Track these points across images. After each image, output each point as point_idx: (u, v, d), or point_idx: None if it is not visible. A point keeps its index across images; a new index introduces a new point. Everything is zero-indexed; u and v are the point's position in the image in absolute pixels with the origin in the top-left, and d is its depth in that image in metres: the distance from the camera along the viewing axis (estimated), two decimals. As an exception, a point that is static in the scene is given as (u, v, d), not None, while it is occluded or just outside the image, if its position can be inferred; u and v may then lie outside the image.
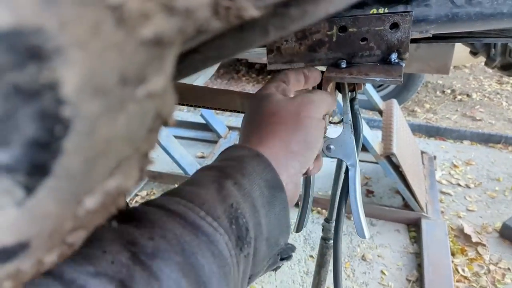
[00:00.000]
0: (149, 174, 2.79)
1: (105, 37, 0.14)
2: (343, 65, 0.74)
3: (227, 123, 3.39)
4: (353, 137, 0.78)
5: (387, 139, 2.28)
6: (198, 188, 0.38)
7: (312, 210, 2.48)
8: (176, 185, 2.62)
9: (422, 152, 2.87)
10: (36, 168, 0.14)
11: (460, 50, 2.61)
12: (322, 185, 2.61)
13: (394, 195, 2.56)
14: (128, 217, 0.34)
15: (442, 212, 2.40)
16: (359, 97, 0.84)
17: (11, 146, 0.13)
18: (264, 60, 2.81)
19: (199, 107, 0.68)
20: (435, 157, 2.86)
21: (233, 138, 3.26)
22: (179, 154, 2.66)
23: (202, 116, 3.07)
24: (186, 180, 0.43)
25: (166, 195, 0.38)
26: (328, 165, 2.88)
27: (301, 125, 0.51)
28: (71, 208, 0.16)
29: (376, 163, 2.48)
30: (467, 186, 2.64)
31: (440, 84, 4.37)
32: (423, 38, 0.84)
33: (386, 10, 0.71)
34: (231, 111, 0.72)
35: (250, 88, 4.54)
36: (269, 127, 0.49)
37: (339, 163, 0.98)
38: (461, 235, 2.24)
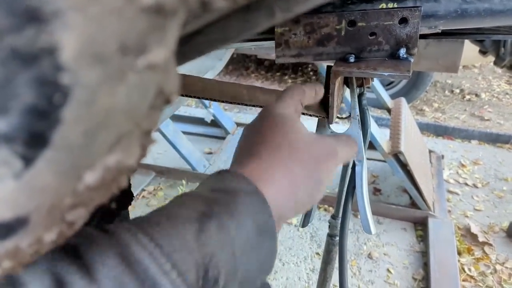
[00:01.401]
0: (156, 169, 2.80)
1: (105, 1, 0.14)
2: (352, 59, 0.74)
3: (235, 119, 3.40)
4: (361, 133, 0.78)
5: (395, 137, 2.27)
6: (175, 227, 0.32)
7: (319, 208, 2.48)
8: (183, 181, 2.62)
9: (430, 151, 2.86)
10: (34, 137, 0.14)
11: (469, 50, 2.59)
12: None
13: (401, 193, 2.55)
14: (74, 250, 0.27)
15: (449, 211, 2.38)
16: (368, 95, 0.84)
17: (9, 114, 0.13)
18: (273, 56, 2.81)
19: (206, 99, 0.69)
20: (443, 156, 2.85)
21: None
22: (186, 149, 2.67)
23: (208, 110, 3.07)
24: (170, 201, 0.37)
25: (137, 226, 0.31)
26: (335, 163, 2.88)
27: (318, 174, 0.45)
28: (70, 182, 0.16)
29: (384, 161, 2.47)
30: (475, 186, 2.62)
31: (449, 84, 4.34)
32: (432, 33, 0.84)
33: (395, 5, 0.71)
34: (238, 103, 0.72)
35: (259, 84, 4.54)
36: (283, 162, 0.42)
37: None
38: (468, 235, 2.23)
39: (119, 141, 0.17)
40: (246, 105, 0.70)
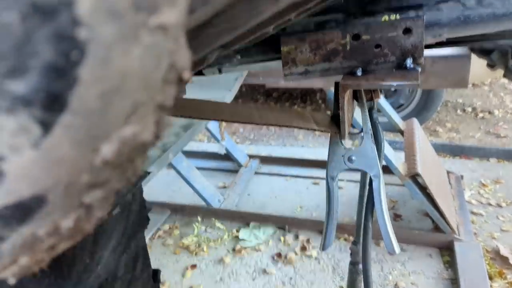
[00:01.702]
0: (171, 207, 2.79)
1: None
2: (359, 73, 0.74)
3: (247, 152, 3.40)
4: (375, 147, 0.76)
5: (410, 158, 2.23)
6: None
7: (339, 238, 2.42)
8: (199, 217, 2.60)
9: (448, 172, 2.79)
10: (53, 99, 0.14)
11: (478, 67, 2.59)
12: (348, 211, 2.55)
13: (422, 218, 2.47)
14: None
15: (475, 233, 2.29)
16: (379, 119, 0.83)
17: (29, 74, 0.13)
18: (282, 84, 2.84)
19: (218, 120, 0.68)
20: (462, 177, 2.78)
21: (254, 167, 3.25)
22: (200, 184, 2.66)
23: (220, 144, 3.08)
24: None
25: None
26: (352, 190, 2.83)
27: None
28: (87, 154, 0.16)
29: (402, 185, 2.42)
30: (499, 205, 2.53)
31: (460, 103, 4.31)
32: (437, 43, 0.83)
33: (398, 17, 0.71)
34: (250, 123, 0.71)
35: (268, 118, 4.56)
36: None
37: (363, 175, 0.95)
38: (498, 257, 2.13)
39: (134, 111, 0.17)
40: (258, 124, 0.69)
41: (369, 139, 0.78)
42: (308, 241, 2.38)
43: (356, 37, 0.74)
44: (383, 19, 0.72)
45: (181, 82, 0.19)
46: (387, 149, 2.24)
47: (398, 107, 3.63)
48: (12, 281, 0.20)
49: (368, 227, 0.86)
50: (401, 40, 0.72)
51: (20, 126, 0.13)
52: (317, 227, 2.45)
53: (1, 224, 0.15)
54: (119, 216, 0.44)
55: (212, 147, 3.58)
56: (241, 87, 5.38)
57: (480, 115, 4.01)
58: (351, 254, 1.25)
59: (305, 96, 5.00)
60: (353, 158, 0.79)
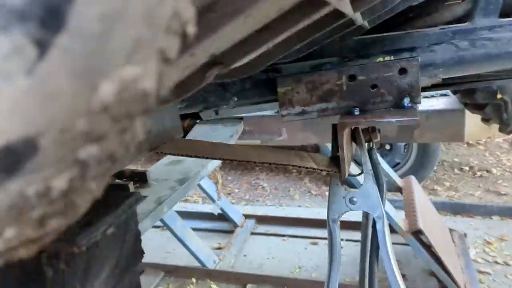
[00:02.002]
0: (164, 268, 2.68)
1: None
2: (356, 112, 0.75)
3: (243, 212, 3.34)
4: (376, 187, 0.75)
5: (410, 214, 2.19)
6: None
7: (341, 298, 2.30)
8: (194, 279, 2.49)
9: (451, 230, 2.73)
10: (51, 14, 0.13)
11: (472, 125, 2.64)
12: (349, 270, 2.45)
13: (428, 277, 2.37)
14: None
15: (484, 292, 2.19)
16: None
17: None
18: (277, 142, 2.83)
19: (216, 159, 0.67)
20: (465, 235, 2.71)
21: (250, 227, 3.17)
22: (195, 245, 2.58)
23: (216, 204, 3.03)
24: None
25: None
26: (353, 249, 2.75)
27: None
28: (85, 91, 0.14)
29: (404, 244, 2.35)
30: (506, 263, 2.45)
31: (457, 162, 4.33)
32: (434, 85, 0.85)
33: (392, 58, 0.73)
34: (247, 162, 0.70)
35: (264, 176, 4.55)
36: None
37: (365, 218, 0.93)
38: (510, 318, 2.02)
39: (136, 49, 0.16)
40: (255, 162, 0.68)
41: (370, 180, 0.77)
42: (309, 303, 2.26)
43: (352, 77, 0.75)
44: (378, 60, 0.74)
45: (185, 39, 0.18)
46: (387, 206, 2.20)
47: (394, 166, 3.63)
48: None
49: (374, 271, 0.82)
50: (397, 80, 0.73)
51: (15, 46, 0.12)
52: (318, 288, 2.33)
53: None
54: (112, 243, 0.41)
55: (207, 208, 3.52)
56: (238, 148, 5.43)
57: (478, 173, 4.01)
58: (355, 309, 1.19)
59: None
60: (355, 199, 0.77)
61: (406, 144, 3.64)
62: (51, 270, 0.35)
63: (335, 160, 0.78)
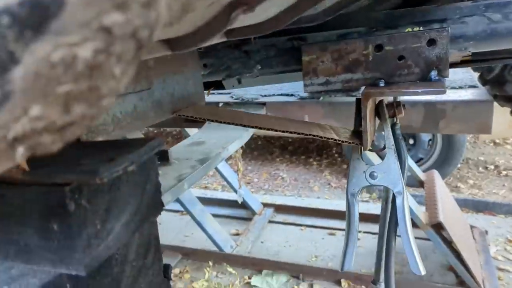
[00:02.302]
0: (182, 251, 2.71)
1: None
2: (382, 84, 0.73)
3: (262, 200, 3.35)
4: (397, 162, 0.74)
5: (431, 207, 2.15)
6: None
7: (356, 288, 2.29)
8: (210, 262, 2.51)
9: (472, 227, 2.67)
10: None
11: (499, 123, 2.55)
12: (365, 262, 2.43)
13: (445, 272, 2.33)
14: None
15: (503, 290, 2.14)
16: None
17: None
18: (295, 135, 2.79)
19: (237, 124, 0.67)
20: (486, 232, 2.65)
21: (268, 215, 3.18)
22: (213, 229, 2.60)
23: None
24: None
25: None
26: (370, 241, 2.72)
27: None
28: None
29: (422, 239, 2.32)
30: (528, 262, 2.39)
31: (482, 160, 4.22)
32: (464, 61, 0.83)
33: (421, 28, 0.72)
34: (268, 129, 0.70)
35: (284, 167, 4.55)
36: None
37: (386, 195, 0.91)
38: (530, 316, 1.97)
39: None
40: (277, 131, 0.68)
41: (392, 155, 0.76)
42: (323, 291, 2.26)
43: (379, 47, 0.74)
44: (406, 30, 0.73)
45: None
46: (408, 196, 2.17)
47: (417, 161, 3.57)
48: (20, 154, 0.18)
49: (391, 248, 0.81)
50: (425, 52, 0.72)
51: None
52: (333, 277, 2.33)
53: (14, 33, 0.14)
54: (133, 185, 0.42)
55: (226, 195, 3.54)
56: (256, 140, 5.42)
57: (504, 172, 3.90)
58: (371, 293, 1.17)
59: (321, 150, 4.99)
60: (375, 174, 0.76)
61: (430, 139, 3.57)
62: (73, 204, 0.36)
63: (357, 134, 0.77)
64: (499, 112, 2.17)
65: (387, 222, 0.85)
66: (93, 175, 0.32)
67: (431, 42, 0.72)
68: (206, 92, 0.77)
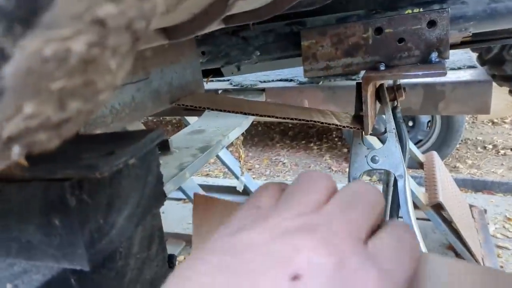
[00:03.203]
0: (186, 238, 2.73)
1: None
2: (382, 67, 0.72)
3: (263, 186, 3.35)
4: (399, 146, 0.73)
5: (431, 188, 2.16)
6: None
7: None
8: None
9: (471, 206, 2.69)
10: None
11: (497, 103, 2.54)
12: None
13: (445, 251, 2.35)
14: None
15: (502, 267, 2.17)
16: None
17: None
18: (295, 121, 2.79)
19: (237, 112, 0.67)
20: (485, 211, 2.66)
21: (270, 200, 3.19)
22: (215, 216, 2.61)
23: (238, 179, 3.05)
24: None
25: None
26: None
27: None
28: None
29: (422, 219, 2.32)
30: (527, 240, 2.41)
31: (480, 140, 4.22)
32: (464, 41, 0.82)
33: (421, 10, 0.70)
34: (268, 116, 0.69)
35: (285, 153, 4.55)
36: None
37: (387, 178, 0.91)
38: (530, 293, 1.99)
39: None
40: (278, 118, 0.67)
41: (393, 138, 0.75)
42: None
43: (378, 30, 0.73)
44: (406, 12, 0.71)
45: None
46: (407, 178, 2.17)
47: (416, 143, 3.57)
48: (16, 153, 0.18)
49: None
50: (425, 33, 0.70)
51: None
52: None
53: (2, 28, 0.13)
54: (134, 178, 0.41)
55: (228, 182, 3.55)
56: (256, 126, 5.41)
57: (502, 151, 3.91)
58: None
59: (321, 135, 4.99)
60: (377, 158, 0.76)
61: (429, 121, 3.57)
62: (74, 199, 0.36)
63: (358, 118, 0.77)
64: (497, 91, 2.16)
65: (389, 205, 0.85)
66: (93, 169, 0.32)
67: (432, 24, 0.71)
68: (205, 80, 0.76)
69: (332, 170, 3.98)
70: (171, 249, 2.64)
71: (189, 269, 0.25)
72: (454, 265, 0.28)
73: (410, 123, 3.64)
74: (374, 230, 0.28)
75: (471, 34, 0.73)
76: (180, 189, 2.50)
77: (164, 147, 1.68)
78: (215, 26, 0.44)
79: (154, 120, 5.82)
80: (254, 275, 0.24)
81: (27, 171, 0.35)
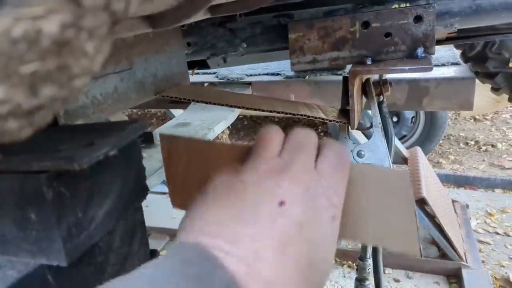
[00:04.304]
0: (170, 232, 2.71)
1: None
2: (369, 62, 0.72)
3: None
4: (384, 141, 0.73)
5: (415, 183, 2.18)
6: None
7: (342, 264, 2.33)
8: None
9: (453, 201, 2.73)
10: None
11: (479, 99, 2.58)
12: (350, 238, 2.46)
13: (428, 245, 2.39)
14: None
15: (483, 261, 2.21)
16: None
17: None
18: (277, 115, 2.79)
19: (223, 105, 0.65)
20: (467, 206, 2.71)
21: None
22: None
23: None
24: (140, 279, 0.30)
25: None
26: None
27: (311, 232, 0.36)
28: None
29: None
30: (506, 234, 2.46)
31: (463, 136, 4.29)
32: (449, 37, 0.82)
33: (408, 5, 0.70)
34: (255, 109, 0.68)
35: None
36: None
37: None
38: (508, 285, 2.04)
39: None
40: (264, 111, 0.66)
41: (379, 133, 0.75)
42: (310, 268, 2.29)
43: (365, 24, 0.72)
44: (393, 6, 0.71)
45: None
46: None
47: (400, 138, 3.61)
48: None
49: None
50: (412, 28, 0.70)
51: None
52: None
53: None
54: (114, 170, 0.40)
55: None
56: (242, 120, 5.40)
57: (483, 148, 3.98)
58: (357, 269, 1.19)
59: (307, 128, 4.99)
60: (363, 152, 0.76)
61: (413, 117, 3.61)
62: (51, 192, 0.34)
63: (345, 112, 0.76)
64: (479, 88, 2.19)
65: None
66: (71, 161, 0.31)
67: (418, 19, 0.71)
68: (190, 71, 0.75)
69: (317, 164, 3.99)
70: (154, 243, 2.62)
71: (197, 210, 0.37)
72: (359, 168, 0.43)
73: (395, 119, 3.67)
74: (317, 154, 0.42)
75: (456, 30, 0.74)
76: (164, 182, 2.47)
77: (148, 140, 1.66)
78: (201, 15, 0.42)
79: (139, 112, 5.75)
80: (254, 205, 0.35)
81: (1, 164, 0.33)
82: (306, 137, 0.42)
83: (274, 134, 0.41)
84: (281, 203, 0.35)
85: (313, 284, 0.35)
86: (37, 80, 0.15)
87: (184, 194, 0.49)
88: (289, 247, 0.34)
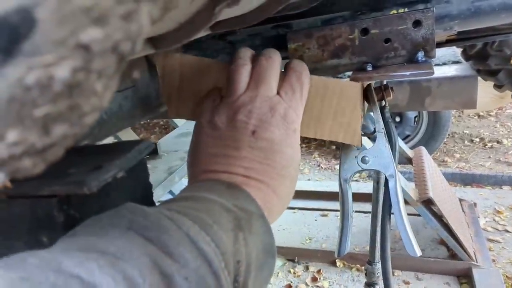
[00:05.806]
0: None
1: None
2: (369, 68, 0.72)
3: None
4: (388, 146, 0.73)
5: (421, 184, 2.18)
6: (221, 231, 0.38)
7: (351, 268, 2.32)
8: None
9: (461, 200, 2.72)
10: None
11: (483, 96, 2.57)
12: (359, 241, 2.46)
13: (437, 246, 2.38)
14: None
15: (493, 260, 2.20)
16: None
17: None
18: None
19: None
20: (475, 204, 2.70)
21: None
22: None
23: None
24: (198, 200, 0.42)
25: (196, 222, 0.36)
26: (363, 220, 2.75)
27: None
28: None
29: (413, 214, 2.35)
30: (516, 232, 2.45)
31: (467, 134, 4.28)
32: (449, 40, 0.82)
33: (406, 10, 0.71)
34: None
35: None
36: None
37: (377, 176, 0.92)
38: (520, 284, 2.03)
39: None
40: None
41: (383, 138, 0.75)
42: (319, 272, 2.29)
43: (364, 31, 0.73)
44: (391, 12, 0.72)
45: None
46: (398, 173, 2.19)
47: (404, 138, 3.61)
48: (1, 180, 0.17)
49: (386, 230, 0.82)
50: (411, 33, 0.71)
51: None
52: (328, 258, 2.36)
53: None
54: (122, 191, 0.41)
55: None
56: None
57: (489, 144, 3.96)
58: (366, 274, 1.19)
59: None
60: (367, 158, 0.76)
61: (416, 116, 3.60)
62: (62, 215, 0.35)
63: (347, 119, 0.77)
64: (482, 85, 2.19)
65: (380, 203, 0.86)
66: (81, 186, 0.31)
67: (417, 23, 0.71)
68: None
69: (321, 167, 4.00)
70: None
71: (196, 154, 0.51)
72: (319, 80, 0.58)
73: (397, 119, 3.67)
74: (282, 79, 0.54)
75: (456, 33, 0.74)
76: (171, 193, 2.48)
77: (153, 151, 1.67)
78: (202, 33, 0.43)
79: (141, 122, 5.78)
80: (233, 137, 0.48)
81: (13, 189, 0.34)
82: (271, 65, 0.52)
83: (242, 69, 0.52)
84: (253, 132, 0.48)
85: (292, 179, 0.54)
86: (49, 120, 0.16)
87: (179, 105, 0.60)
88: (267, 160, 0.48)
